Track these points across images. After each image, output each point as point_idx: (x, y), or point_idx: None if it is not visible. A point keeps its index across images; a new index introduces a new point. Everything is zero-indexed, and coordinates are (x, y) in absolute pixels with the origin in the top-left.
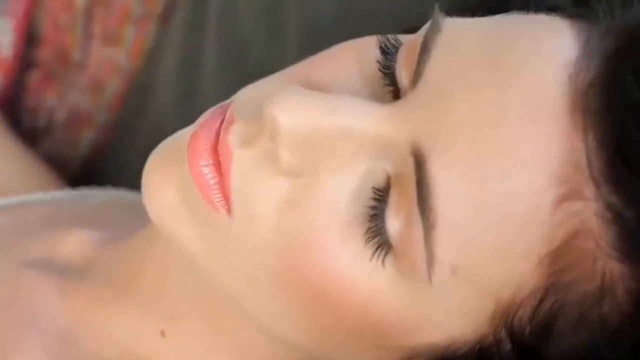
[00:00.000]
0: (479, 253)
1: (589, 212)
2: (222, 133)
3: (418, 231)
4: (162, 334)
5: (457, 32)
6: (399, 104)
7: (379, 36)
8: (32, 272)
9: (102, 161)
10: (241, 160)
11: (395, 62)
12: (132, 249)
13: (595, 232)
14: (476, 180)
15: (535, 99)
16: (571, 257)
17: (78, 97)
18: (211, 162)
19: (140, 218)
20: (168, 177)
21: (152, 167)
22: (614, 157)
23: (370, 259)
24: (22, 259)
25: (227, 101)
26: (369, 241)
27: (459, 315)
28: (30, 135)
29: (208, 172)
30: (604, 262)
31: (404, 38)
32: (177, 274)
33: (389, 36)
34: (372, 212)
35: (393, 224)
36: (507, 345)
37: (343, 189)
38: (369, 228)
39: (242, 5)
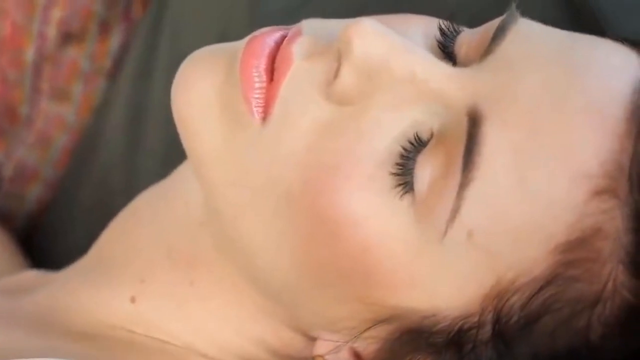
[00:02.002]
0: (502, 224)
1: (617, 213)
2: (287, 41)
3: (453, 182)
4: (132, 300)
5: (532, 28)
6: (465, 70)
7: (440, 20)
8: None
9: (48, 215)
10: (299, 70)
11: (454, 43)
12: (99, 245)
13: (615, 234)
14: (525, 152)
15: (599, 97)
16: (585, 252)
17: (25, 152)
18: (263, 66)
19: None
20: (214, 70)
21: (198, 58)
22: None
23: (393, 197)
24: None
25: (290, 26)
26: (396, 179)
27: (455, 284)
28: None
29: (257, 75)
30: (612, 268)
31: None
32: (148, 230)
33: (449, 22)
34: (406, 154)
35: (425, 169)
36: (486, 333)
37: (388, 127)
38: (400, 166)
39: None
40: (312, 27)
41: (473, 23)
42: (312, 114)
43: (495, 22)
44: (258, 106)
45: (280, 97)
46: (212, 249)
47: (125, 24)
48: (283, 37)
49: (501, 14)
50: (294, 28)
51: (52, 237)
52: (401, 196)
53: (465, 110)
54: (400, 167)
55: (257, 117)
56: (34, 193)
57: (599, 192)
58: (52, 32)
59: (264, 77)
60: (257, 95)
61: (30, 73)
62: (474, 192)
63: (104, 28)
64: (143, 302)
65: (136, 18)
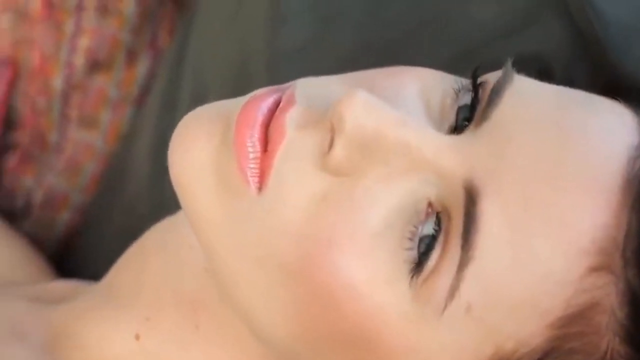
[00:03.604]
0: (500, 298)
1: (612, 288)
2: (279, 111)
3: (452, 263)
4: (137, 337)
5: (527, 87)
6: (461, 138)
7: (451, 76)
8: (22, 303)
9: (77, 241)
10: (293, 142)
11: (458, 100)
12: (110, 276)
13: (612, 308)
14: (522, 228)
15: (593, 167)
16: (582, 326)
17: (54, 179)
18: (257, 135)
19: None
20: (208, 136)
21: (194, 121)
22: None
23: (390, 270)
24: (13, 299)
25: (285, 85)
26: (394, 255)
27: (453, 353)
28: (8, 216)
29: (251, 145)
30: (609, 340)
31: (467, 81)
32: (156, 268)
33: (462, 78)
34: (405, 230)
35: (423, 243)
36: None
37: (383, 199)
38: (398, 243)
39: (212, 88)
40: (305, 92)
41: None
42: (307, 185)
43: (492, 78)
44: (253, 176)
45: (275, 168)
46: (216, 296)
47: (151, 52)
48: (276, 103)
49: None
50: (287, 93)
51: (82, 262)
52: (399, 269)
53: (462, 182)
54: (397, 240)
55: (253, 187)
56: (64, 219)
57: (594, 269)
58: (79, 60)
59: (258, 148)
60: (252, 166)
61: (58, 101)
62: (472, 270)
63: (131, 56)
64: (147, 341)
65: (162, 46)
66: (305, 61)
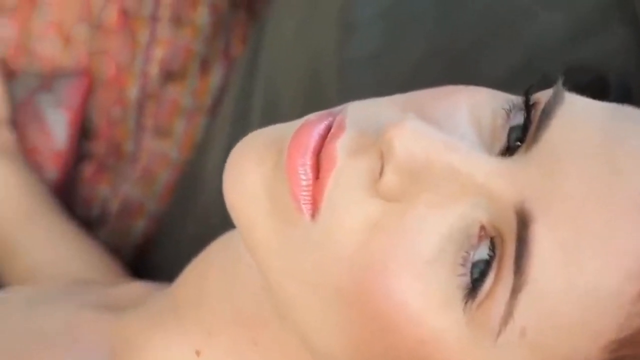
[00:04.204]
0: (553, 322)
1: None
2: (330, 138)
3: (505, 288)
4: (197, 353)
5: (578, 108)
6: (511, 162)
7: (502, 94)
8: (84, 312)
9: (153, 251)
10: (344, 169)
11: (510, 120)
12: (175, 286)
13: None
14: (574, 253)
15: None
16: (635, 349)
17: (130, 188)
18: (309, 163)
19: None
20: (261, 162)
21: (247, 148)
22: None
23: (444, 298)
24: (77, 304)
25: (336, 109)
26: (447, 281)
27: None
28: (84, 225)
29: (303, 173)
30: None
31: (518, 99)
32: (217, 283)
33: (513, 97)
34: (457, 256)
35: (477, 273)
36: None
37: (435, 224)
38: (451, 269)
39: (284, 98)
40: (355, 117)
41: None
42: (359, 212)
43: (543, 97)
44: (306, 203)
45: (327, 195)
46: (275, 314)
47: (225, 61)
48: (328, 129)
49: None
50: (338, 118)
51: (158, 270)
52: (453, 295)
53: (513, 207)
54: (449, 266)
55: (307, 214)
56: (140, 227)
57: None
58: (154, 70)
59: (310, 175)
60: (304, 193)
61: (134, 111)
62: (525, 294)
63: (205, 66)
64: (207, 356)
65: (235, 55)
66: (376, 68)
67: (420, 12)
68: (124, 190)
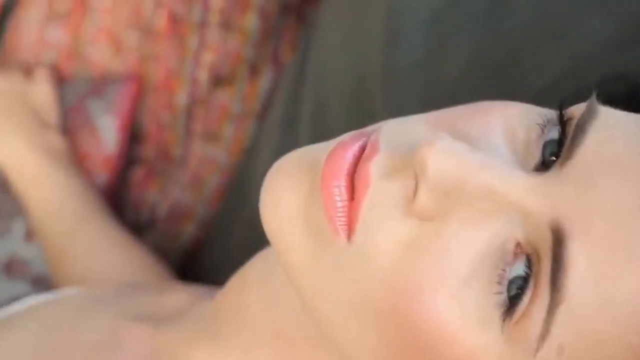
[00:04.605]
0: (590, 339)
1: None
2: (364, 159)
3: (542, 305)
4: None
5: (612, 122)
6: (545, 178)
7: (535, 109)
8: (129, 323)
9: (202, 255)
10: (378, 190)
11: (544, 136)
12: (216, 299)
13: None
14: (609, 269)
15: None
16: None
17: (179, 192)
18: (344, 184)
19: None
20: (296, 186)
21: (283, 170)
22: None
23: (482, 317)
24: (122, 314)
25: (369, 128)
26: (484, 299)
27: None
28: (133, 229)
29: (338, 194)
30: None
31: (552, 113)
32: (256, 300)
33: (547, 111)
34: (493, 274)
35: (514, 290)
36: None
37: (470, 242)
38: (487, 288)
39: (332, 105)
40: (389, 136)
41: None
42: (394, 232)
43: (577, 111)
44: (342, 224)
45: (362, 216)
46: (313, 332)
47: (274, 67)
48: (362, 150)
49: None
50: (371, 139)
51: (206, 275)
52: (490, 313)
53: (548, 224)
54: (485, 284)
55: (343, 235)
56: (189, 232)
57: None
58: (203, 76)
59: (345, 196)
60: (340, 214)
61: (183, 116)
62: (562, 312)
63: (254, 71)
64: None
65: (285, 61)
66: (422, 75)
67: (468, 18)
68: (173, 194)
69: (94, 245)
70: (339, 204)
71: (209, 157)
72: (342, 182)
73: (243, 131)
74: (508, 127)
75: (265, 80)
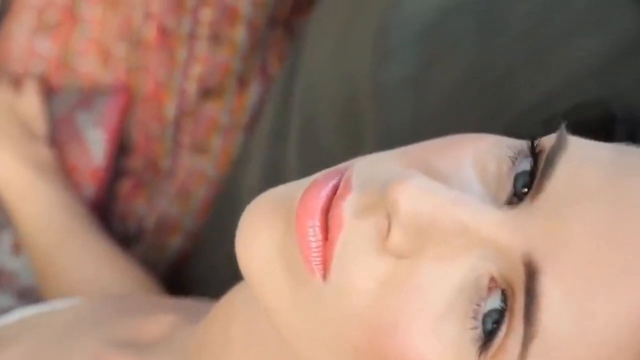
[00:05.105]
0: None
1: None
2: (337, 198)
3: (517, 339)
4: None
5: (582, 153)
6: (516, 212)
7: (506, 140)
8: (113, 350)
9: (189, 267)
10: (351, 229)
11: (515, 168)
12: (202, 326)
13: None
14: (583, 302)
15: None
16: None
17: (167, 204)
18: (318, 224)
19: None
20: (272, 226)
21: (258, 211)
22: None
23: (458, 352)
24: (107, 339)
25: (342, 166)
26: (460, 334)
27: None
28: (121, 241)
29: (313, 235)
30: None
31: (522, 145)
32: (241, 328)
33: (518, 142)
34: (468, 310)
35: (490, 324)
36: None
37: (444, 278)
38: (462, 323)
39: (320, 119)
40: (362, 174)
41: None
42: (369, 270)
43: (547, 142)
44: (317, 264)
45: (336, 255)
46: None
47: (262, 79)
48: (335, 189)
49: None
50: (344, 178)
51: (194, 288)
52: (466, 349)
53: (521, 258)
54: (461, 319)
55: (318, 275)
56: (176, 244)
57: None
58: (192, 87)
59: (320, 236)
60: (315, 254)
61: (171, 127)
62: (536, 346)
63: (242, 83)
64: None
65: (272, 72)
66: (412, 92)
67: (459, 35)
68: (160, 206)
69: (82, 258)
70: (314, 244)
71: (196, 169)
72: (317, 222)
73: (231, 143)
74: (479, 161)
75: (253, 92)
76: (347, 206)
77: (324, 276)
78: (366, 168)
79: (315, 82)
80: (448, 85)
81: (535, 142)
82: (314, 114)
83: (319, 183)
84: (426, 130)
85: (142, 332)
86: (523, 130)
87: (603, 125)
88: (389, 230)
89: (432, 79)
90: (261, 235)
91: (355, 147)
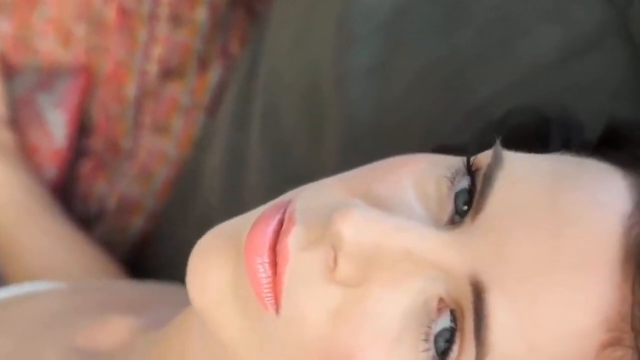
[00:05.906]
0: None
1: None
2: (282, 234)
3: (469, 359)
4: None
5: (518, 168)
6: (458, 232)
7: (444, 160)
8: (75, 357)
9: (152, 248)
10: (298, 263)
11: (454, 187)
12: (161, 337)
13: None
14: (530, 319)
15: (589, 248)
16: None
17: (127, 185)
18: (267, 260)
19: (177, 311)
20: (222, 263)
21: (206, 248)
22: None
23: None
24: (68, 344)
25: (286, 198)
26: (415, 357)
27: None
28: (82, 222)
29: (262, 271)
30: None
31: (459, 163)
32: (197, 350)
33: (456, 161)
34: (419, 332)
35: (441, 344)
36: None
37: (392, 303)
38: (417, 345)
39: (283, 105)
40: (305, 208)
41: None
42: (319, 302)
43: (484, 159)
44: (269, 299)
45: (285, 289)
46: None
47: (223, 60)
48: (280, 223)
49: None
50: (288, 211)
51: (157, 268)
52: None
53: (467, 279)
54: (413, 342)
55: (271, 309)
56: (137, 225)
57: (605, 346)
58: (152, 68)
59: (270, 272)
60: (266, 290)
61: (132, 108)
62: None
63: (203, 64)
64: None
65: (234, 54)
66: (375, 80)
67: (423, 26)
68: (121, 187)
69: (42, 240)
70: (264, 280)
71: (157, 149)
72: (265, 259)
73: (192, 124)
74: (419, 183)
75: (214, 73)
76: (292, 240)
77: (277, 310)
78: (309, 199)
79: (278, 67)
80: (411, 75)
81: (471, 160)
82: (276, 100)
83: (265, 217)
84: (388, 118)
85: (99, 337)
86: (482, 121)
87: (537, 132)
88: (335, 261)
89: (395, 67)
90: (212, 273)
91: (317, 134)
